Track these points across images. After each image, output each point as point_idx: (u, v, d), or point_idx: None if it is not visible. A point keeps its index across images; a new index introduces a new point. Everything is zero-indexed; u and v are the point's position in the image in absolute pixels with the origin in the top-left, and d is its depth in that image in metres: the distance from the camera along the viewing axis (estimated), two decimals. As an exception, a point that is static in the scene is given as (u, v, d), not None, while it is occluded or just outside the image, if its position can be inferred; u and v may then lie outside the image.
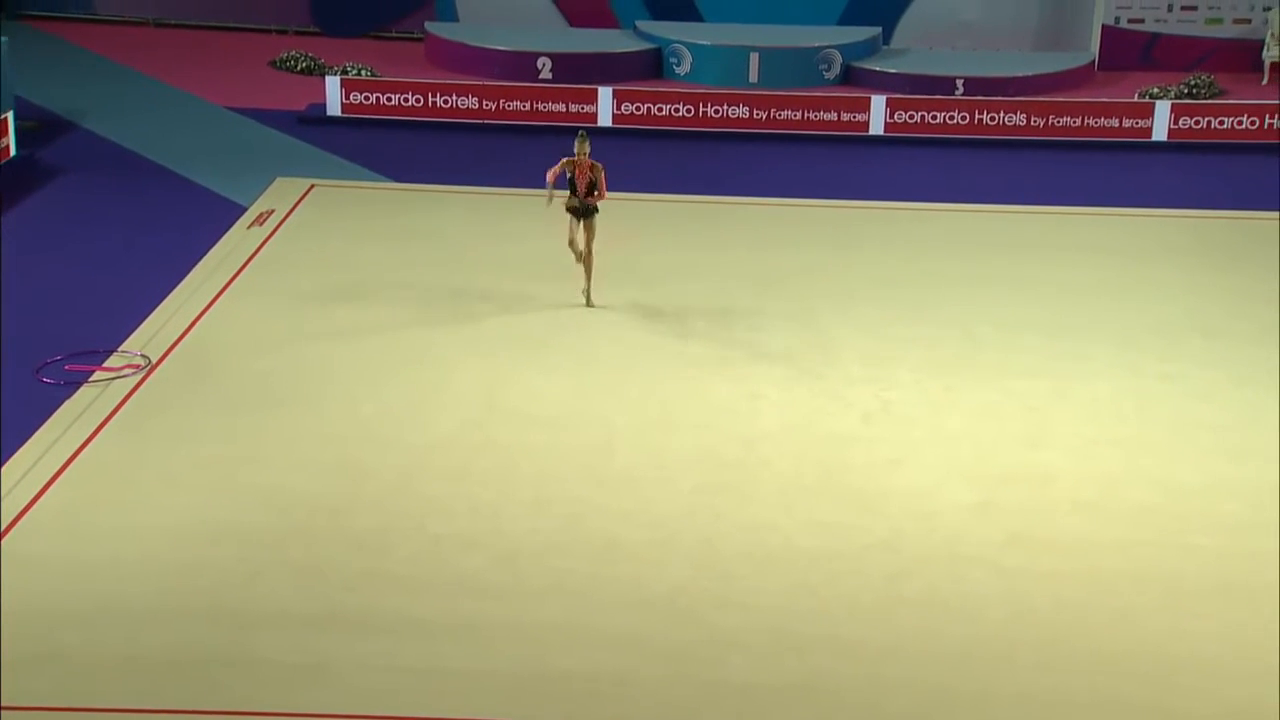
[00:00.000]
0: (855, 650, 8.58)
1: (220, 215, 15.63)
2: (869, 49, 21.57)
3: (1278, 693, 8.15)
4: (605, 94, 19.52)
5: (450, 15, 23.03)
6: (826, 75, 21.10)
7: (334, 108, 19.49)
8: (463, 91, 19.69)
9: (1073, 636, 8.69)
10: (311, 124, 19.22)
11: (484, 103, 19.67)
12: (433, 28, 22.46)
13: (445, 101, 19.63)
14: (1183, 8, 21.74)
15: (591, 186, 13.12)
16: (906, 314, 13.42)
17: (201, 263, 14.27)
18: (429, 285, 13.96)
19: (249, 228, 15.30)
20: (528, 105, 19.66)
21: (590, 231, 13.28)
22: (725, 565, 9.43)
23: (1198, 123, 18.90)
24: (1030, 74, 20.71)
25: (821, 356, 12.53)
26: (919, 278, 14.37)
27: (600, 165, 13.09)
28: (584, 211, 13.21)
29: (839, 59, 21.14)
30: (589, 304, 13.41)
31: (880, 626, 8.79)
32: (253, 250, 14.68)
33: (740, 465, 10.71)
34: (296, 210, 15.91)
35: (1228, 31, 21.68)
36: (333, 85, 19.50)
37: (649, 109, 19.57)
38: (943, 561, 9.45)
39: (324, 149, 18.24)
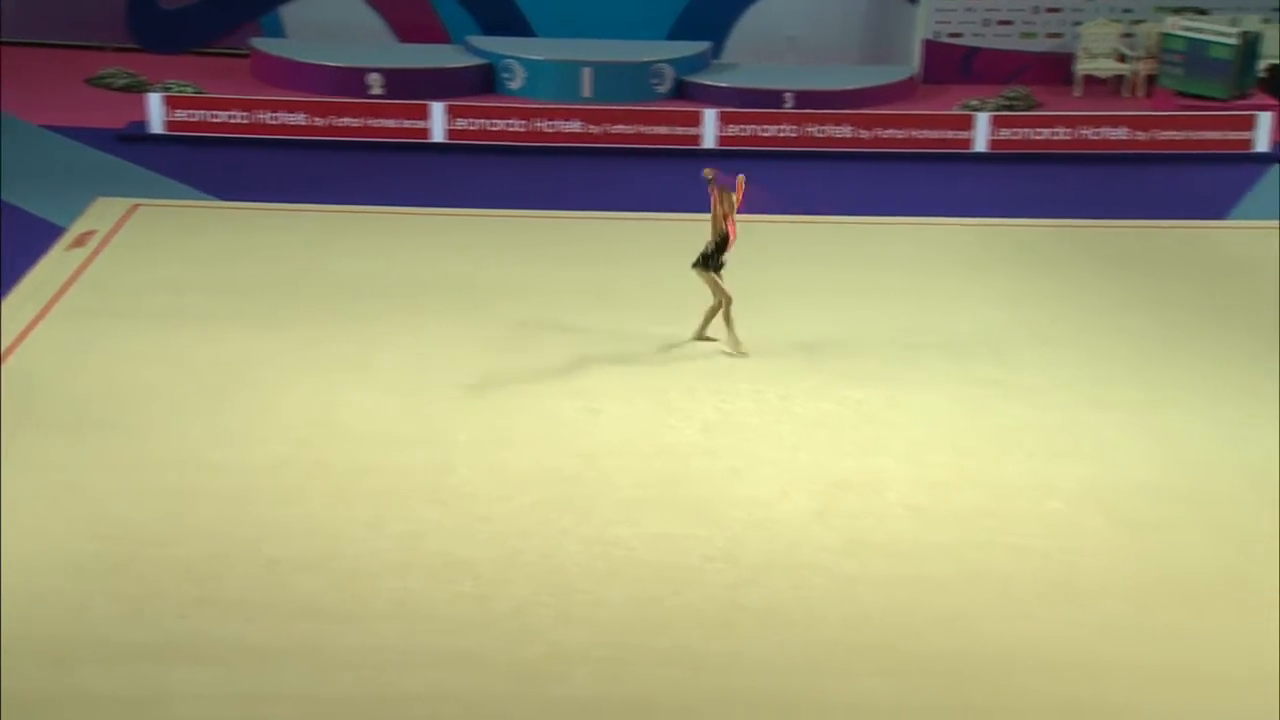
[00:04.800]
0: (698, 660, 8.63)
1: (38, 237, 15.12)
2: (700, 63, 21.78)
3: (1106, 688, 8.41)
4: (438, 110, 19.37)
5: (277, 31, 22.63)
6: (658, 89, 21.25)
7: (156, 125, 19.00)
8: (291, 108, 19.36)
9: (908, 640, 8.86)
10: (133, 142, 18.69)
11: (313, 119, 19.36)
12: (259, 44, 22.05)
13: (273, 118, 19.27)
14: (999, 22, 22.42)
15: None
16: (742, 325, 13.54)
17: (19, 286, 13.78)
18: (258, 306, 13.69)
19: (68, 249, 14.83)
20: (359, 121, 19.41)
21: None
22: (568, 580, 9.41)
23: (1016, 134, 19.47)
24: (856, 87, 21.12)
25: (660, 369, 12.60)
26: (754, 289, 14.50)
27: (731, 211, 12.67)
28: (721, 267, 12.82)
29: (671, 73, 21.31)
30: (743, 353, 12.84)
31: (722, 636, 8.86)
32: (73, 272, 14.22)
33: (581, 480, 10.71)
34: (119, 231, 15.47)
35: (1042, 46, 22.41)
36: (155, 102, 19.00)
37: (482, 124, 19.48)
38: (782, 570, 9.56)
39: (146, 168, 17.76)
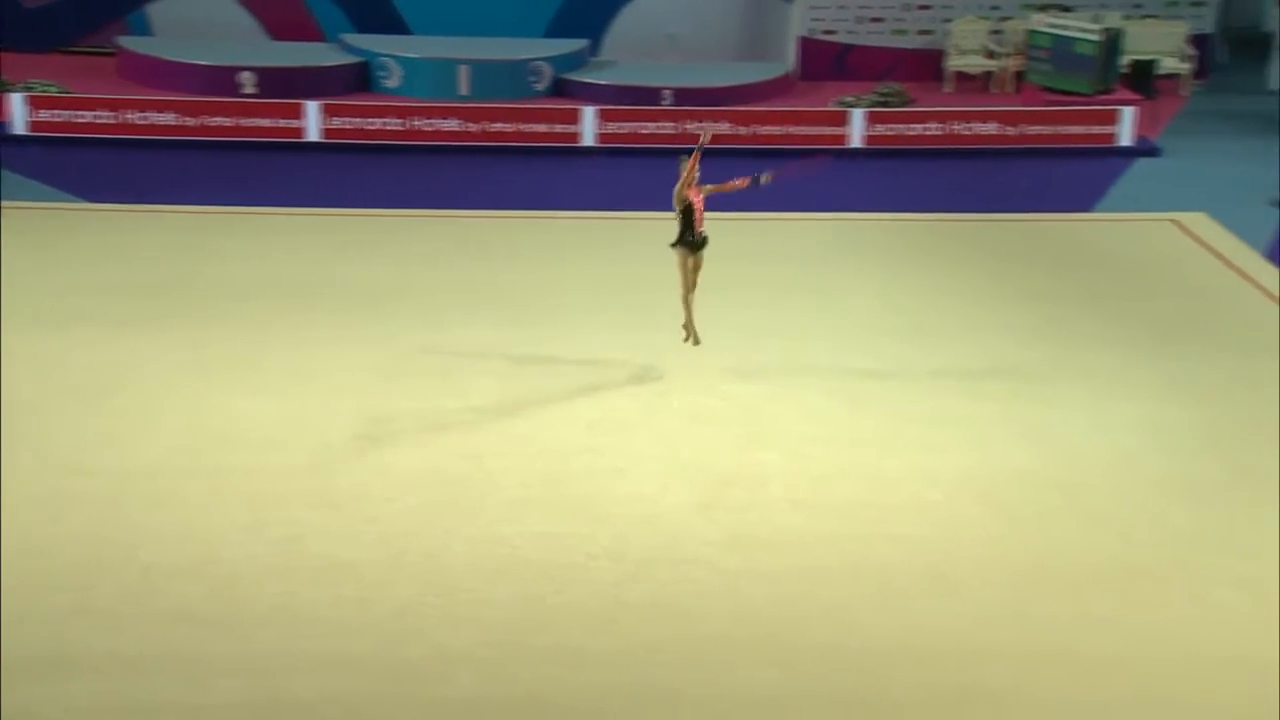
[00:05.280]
0: (582, 658, 8.61)
1: (-104, 241, 14.66)
2: (578, 61, 21.77)
3: (987, 675, 8.54)
4: (312, 108, 19.14)
5: (144, 30, 22.16)
6: (537, 87, 21.19)
7: (19, 126, 18.53)
8: (160, 107, 19.00)
9: (792, 632, 8.92)
10: (-5, 143, 18.22)
11: (183, 119, 19.03)
12: (126, 42, 21.58)
13: (141, 118, 18.90)
14: (871, 20, 22.73)
15: (702, 215, 11.89)
16: (624, 321, 13.58)
17: (-124, 292, 13.35)
18: (134, 310, 13.40)
19: (-70, 254, 14.39)
20: (231, 121, 19.12)
21: (699, 266, 12.07)
22: (452, 581, 9.34)
23: (890, 129, 19.77)
24: (734, 84, 21.27)
25: (543, 368, 12.56)
26: (634, 285, 14.56)
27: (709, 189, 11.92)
28: (701, 244, 11.99)
29: (549, 71, 21.27)
30: (697, 342, 12.32)
31: (607, 633, 8.85)
32: (-66, 277, 13.81)
33: (465, 480, 10.63)
34: (-18, 234, 15.05)
35: (913, 42, 22.77)
36: (17, 102, 18.53)
37: (359, 123, 19.29)
38: (665, 565, 9.57)
39: (8, 169, 17.30)
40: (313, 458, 10.85)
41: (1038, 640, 8.83)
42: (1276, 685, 8.40)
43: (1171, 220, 16.86)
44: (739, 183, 12.14)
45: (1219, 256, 15.68)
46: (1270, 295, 14.48)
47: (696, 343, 12.32)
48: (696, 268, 12.09)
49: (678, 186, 11.88)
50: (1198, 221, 16.75)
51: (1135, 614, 9.09)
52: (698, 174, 11.92)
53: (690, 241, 11.95)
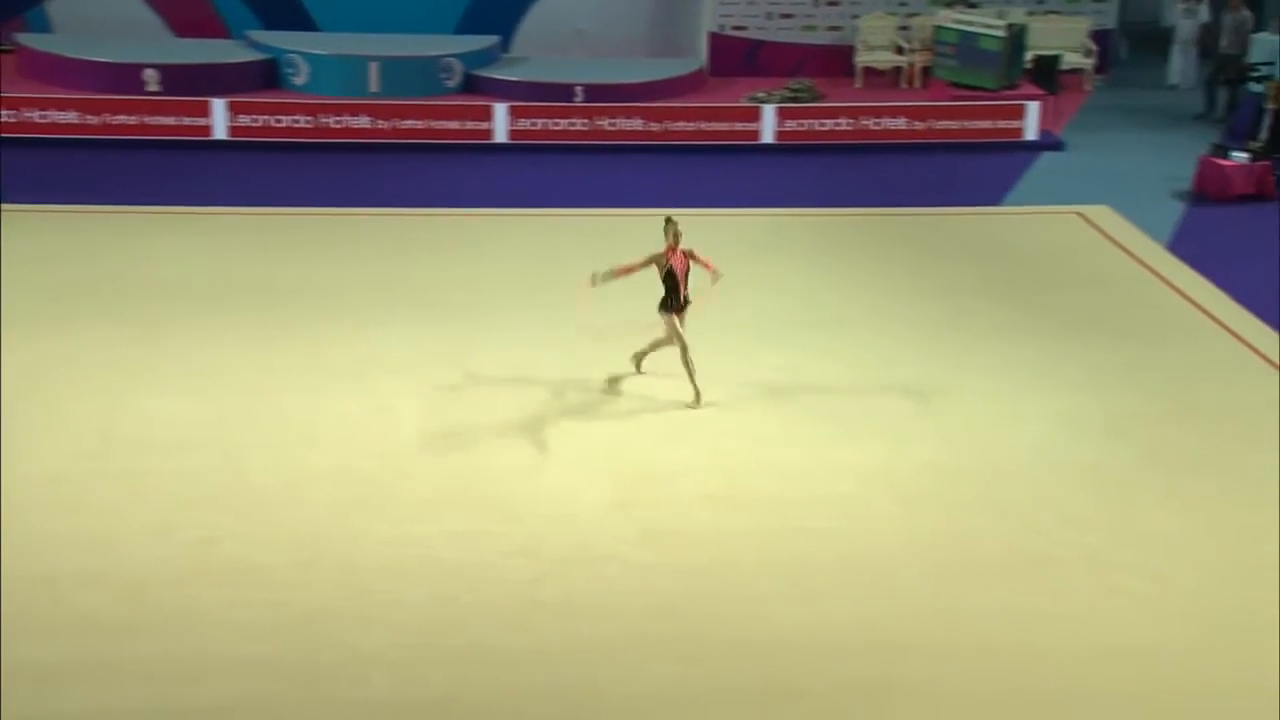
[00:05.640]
0: (497, 657, 8.58)
1: None
2: (489, 57, 21.67)
3: (900, 666, 8.62)
4: (219, 106, 18.88)
5: (44, 27, 21.73)
6: (448, 84, 21.07)
7: (-83, 125, 18.10)
8: (62, 105, 18.66)
9: (707, 626, 8.94)
10: (-109, 144, 17.79)
11: (86, 117, 18.70)
12: (25, 39, 21.14)
13: (42, 116, 18.56)
14: (781, 15, 22.85)
15: (687, 276, 11.60)
16: (539, 317, 13.55)
17: None
18: (39, 312, 13.14)
19: None
20: (135, 119, 18.81)
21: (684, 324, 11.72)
22: (365, 581, 9.26)
23: (801, 125, 19.89)
24: (645, 80, 21.28)
25: (457, 365, 12.49)
26: (549, 282, 14.54)
27: (691, 249, 11.65)
28: (684, 306, 11.68)
29: (459, 68, 21.15)
30: (699, 405, 11.72)
31: (521, 632, 8.82)
32: None
33: (377, 480, 10.55)
34: (-122, 236, 14.68)
35: (822, 38, 22.93)
36: (-87, 101, 18.11)
37: (266, 121, 19.06)
38: (581, 563, 9.56)
39: (-94, 169, 16.92)
40: (224, 459, 10.71)
41: (950, 631, 8.93)
42: (1186, 672, 8.56)
43: (1077, 213, 17.14)
44: (712, 268, 11.76)
45: (1122, 248, 15.96)
46: (1172, 285, 14.76)
47: (698, 402, 11.76)
48: (678, 327, 11.75)
49: (653, 255, 11.62)
50: (1101, 214, 17.04)
51: (1046, 604, 9.22)
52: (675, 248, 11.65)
53: (675, 306, 11.68)
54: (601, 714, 8.14)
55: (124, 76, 20.02)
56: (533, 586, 9.27)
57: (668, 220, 11.77)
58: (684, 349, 11.72)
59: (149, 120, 18.85)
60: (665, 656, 8.63)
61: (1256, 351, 13.10)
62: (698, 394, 11.77)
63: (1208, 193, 17.87)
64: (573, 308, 13.76)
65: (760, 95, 21.04)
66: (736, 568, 9.56)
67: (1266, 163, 17.97)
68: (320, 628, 8.78)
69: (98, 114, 18.75)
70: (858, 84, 22.40)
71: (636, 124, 19.65)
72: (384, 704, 8.14)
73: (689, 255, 11.70)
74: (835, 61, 22.74)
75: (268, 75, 20.87)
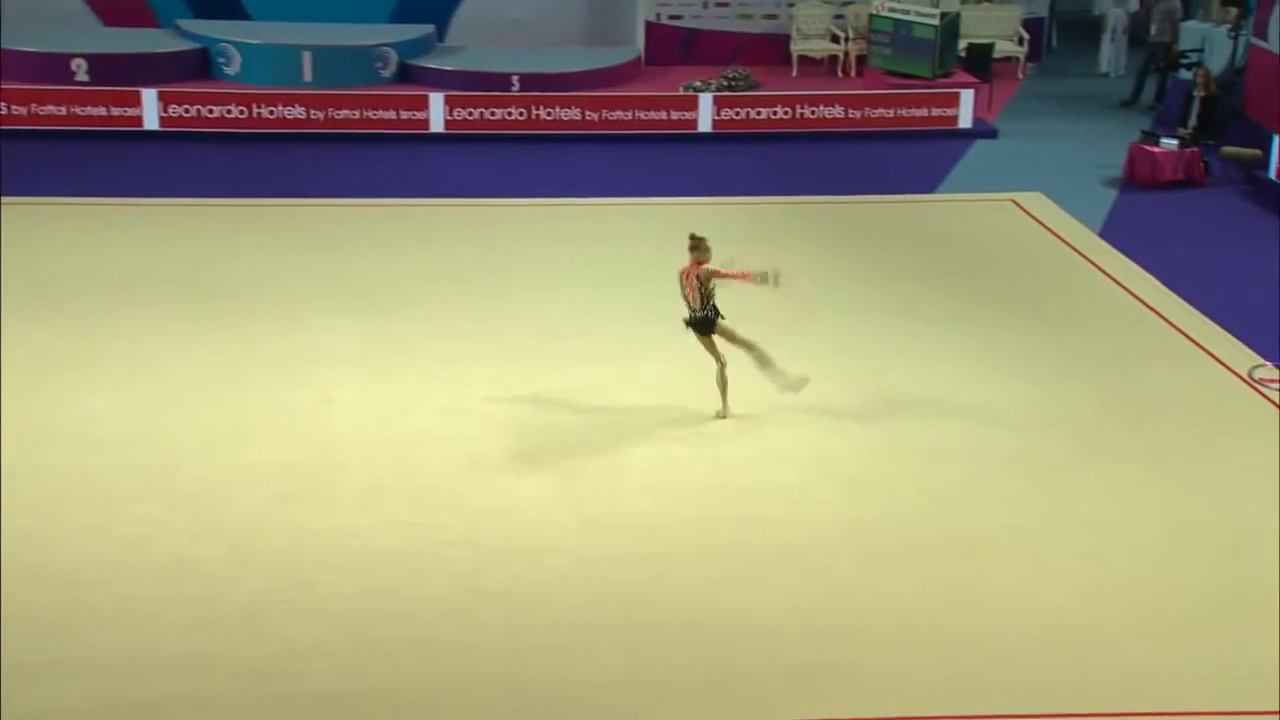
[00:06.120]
0: (438, 649, 8.55)
1: None
2: (424, 46, 21.56)
3: (838, 651, 8.67)
4: (149, 96, 18.68)
5: (-32, 15, 21.38)
6: (383, 73, 20.94)
7: None
8: (-11, 95, 18.38)
9: (648, 614, 8.96)
10: None
11: (13, 107, 18.44)
12: (-50, 28, 20.80)
13: (-31, 107, 18.27)
14: (717, 4, 22.89)
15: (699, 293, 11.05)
16: (476, 308, 13.51)
17: None
18: (-38, 304, 12.96)
19: None
20: (63, 110, 18.56)
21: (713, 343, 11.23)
22: (303, 574, 9.21)
23: (738, 113, 19.94)
24: (582, 69, 21.25)
25: (394, 356, 12.43)
26: (486, 271, 14.51)
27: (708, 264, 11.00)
28: (708, 324, 11.15)
29: (395, 57, 21.03)
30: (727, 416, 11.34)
31: (462, 622, 8.80)
32: None
33: (316, 472, 10.48)
34: None
35: (758, 27, 22.99)
36: None
37: (198, 110, 18.88)
38: (522, 552, 9.55)
39: None
40: (157, 454, 10.60)
41: (886, 616, 8.99)
42: (1119, 654, 8.68)
43: (1010, 200, 17.30)
44: (741, 274, 11.17)
45: (1055, 234, 16.13)
46: (1104, 271, 14.94)
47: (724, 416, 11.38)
48: (710, 344, 11.31)
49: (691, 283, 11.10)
50: (1035, 201, 17.21)
51: (982, 587, 9.30)
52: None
53: (688, 321, 11.24)
54: (543, 703, 8.13)
55: (52, 66, 19.75)
56: (474, 577, 9.25)
57: (691, 238, 11.17)
58: (721, 365, 11.28)
59: (78, 111, 18.62)
60: (607, 645, 8.64)
61: (1186, 336, 13.28)
62: (723, 406, 11.34)
63: (1138, 179, 18.09)
64: (510, 298, 13.74)
65: (697, 84, 21.08)
66: (676, 556, 9.58)
67: (1195, 149, 18.21)
68: (259, 622, 8.72)
69: (25, 104, 18.50)
70: (794, 73, 22.48)
71: (574, 113, 19.62)
72: (325, 697, 8.10)
73: (702, 273, 11.08)
74: (771, 50, 22.81)
75: (199, 65, 20.66)
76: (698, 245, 11.18)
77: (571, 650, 8.59)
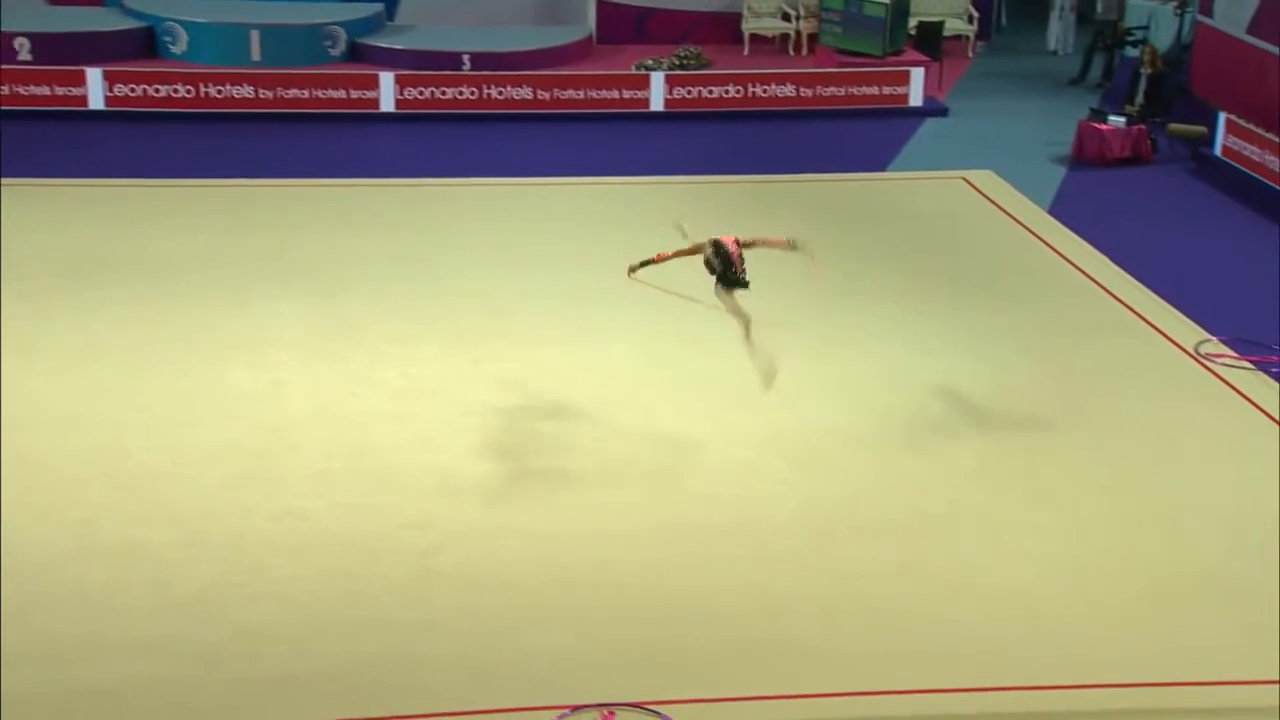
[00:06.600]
0: (392, 630, 8.53)
1: None
2: (374, 25, 21.41)
3: (794, 627, 8.71)
4: (94, 75, 18.44)
5: (-92, -7, 21.03)
6: (332, 52, 20.77)
7: None
8: (-71, 75, 18.10)
9: (603, 594, 8.97)
10: None
11: (-45, 88, 18.17)
12: (-111, 6, 20.46)
13: (-90, 87, 17.99)
14: (669, -18, 22.86)
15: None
16: (428, 289, 13.45)
17: None
18: (-95, 288, 12.77)
19: None
20: (6, 89, 18.32)
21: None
22: (255, 557, 9.15)
23: (690, 92, 19.92)
24: (534, 48, 21.16)
25: (345, 338, 12.36)
26: (438, 251, 14.44)
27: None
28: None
29: (344, 36, 20.86)
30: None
31: (417, 604, 8.78)
32: None
33: (267, 454, 10.42)
34: None
35: (710, 5, 22.95)
36: None
37: (144, 90, 18.66)
38: (476, 533, 9.53)
39: None
40: (104, 438, 10.50)
41: (842, 592, 9.05)
42: (1072, 626, 8.76)
43: (961, 178, 17.38)
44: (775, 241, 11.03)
45: (1005, 212, 16.22)
46: (1053, 248, 15.04)
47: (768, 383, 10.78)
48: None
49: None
50: (985, 179, 17.30)
51: (936, 563, 9.36)
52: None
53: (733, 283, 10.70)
54: (498, 684, 8.13)
55: (-6, 45, 19.47)
56: (427, 558, 9.23)
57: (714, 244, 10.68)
58: (746, 323, 10.81)
59: (21, 90, 18.35)
60: (561, 625, 8.64)
61: (1134, 311, 13.40)
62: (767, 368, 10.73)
63: (1086, 156, 18.22)
64: (462, 279, 13.71)
65: (649, 63, 21.03)
66: (632, 535, 9.59)
67: (1143, 126, 18.35)
68: (210, 605, 8.66)
69: (-33, 85, 18.22)
70: (745, 51, 22.47)
71: (525, 93, 19.54)
72: (279, 679, 8.06)
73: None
74: (723, 29, 22.79)
75: (145, 43, 20.43)
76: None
77: (527, 630, 8.59)
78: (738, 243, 10.71)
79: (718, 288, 10.76)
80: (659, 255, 10.77)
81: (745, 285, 10.62)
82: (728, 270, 10.62)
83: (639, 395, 11.55)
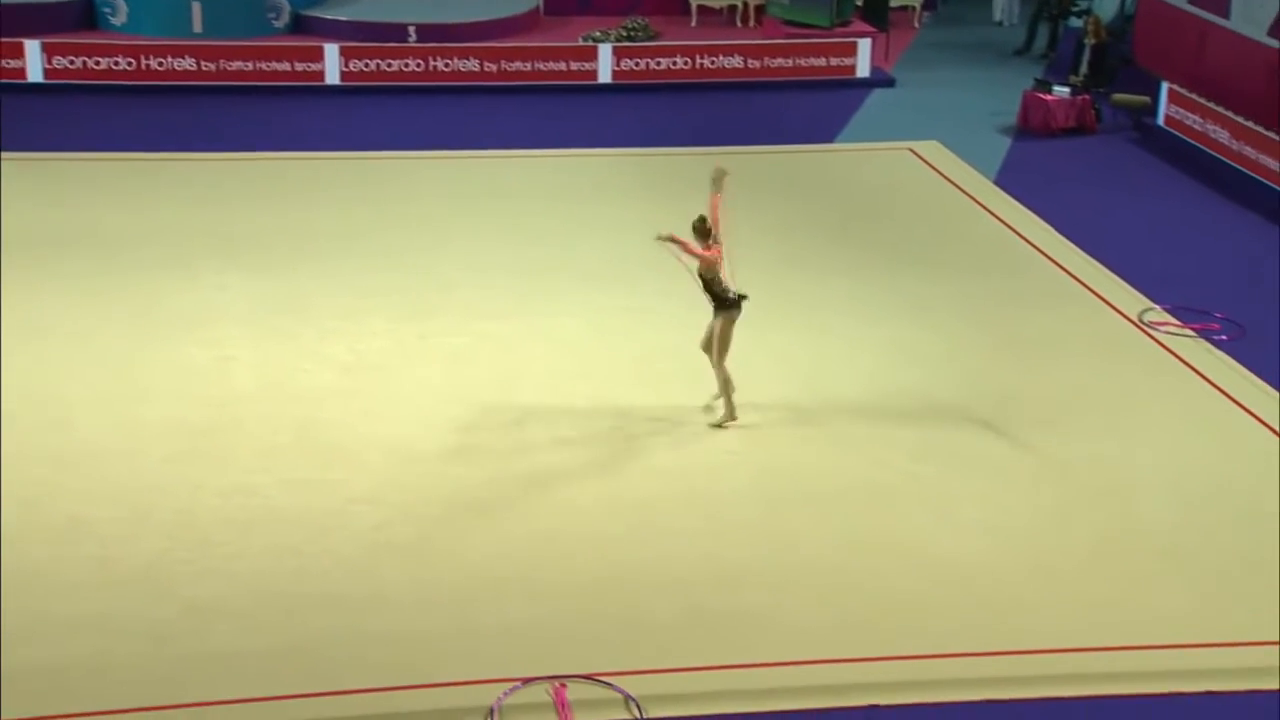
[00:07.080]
0: (342, 604, 8.49)
1: None
2: (317, -4, 21.20)
3: (745, 597, 8.74)
4: (33, 47, 18.17)
5: None
6: (275, 24, 20.55)
7: None
8: None
9: (552, 566, 8.96)
10: None
11: (-109, 60, 17.83)
12: None
13: None
14: (616, -47, 22.74)
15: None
16: (376, 263, 13.37)
17: None
18: None
19: None
20: (-57, 62, 18.01)
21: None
22: (203, 533, 9.09)
23: (637, 64, 19.86)
24: (480, 20, 21.02)
25: (293, 313, 12.27)
26: (386, 225, 14.35)
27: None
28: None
29: (288, 7, 20.65)
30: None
31: (366, 578, 8.75)
32: None
33: (214, 430, 10.34)
34: None
35: (657, -23, 22.89)
36: None
37: (84, 62, 18.40)
38: (424, 507, 9.50)
39: None
40: (49, 414, 10.39)
41: (794, 562, 9.08)
42: (1020, 594, 8.84)
43: (908, 148, 17.44)
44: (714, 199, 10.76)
45: (951, 182, 16.30)
46: (999, 218, 15.13)
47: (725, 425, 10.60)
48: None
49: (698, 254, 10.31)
50: (931, 149, 17.37)
51: (887, 533, 9.41)
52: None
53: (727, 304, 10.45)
54: (449, 658, 8.11)
55: (-70, 18, 19.12)
56: (376, 533, 9.19)
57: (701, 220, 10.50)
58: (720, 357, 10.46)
59: (-42, 64, 18.06)
60: (513, 598, 8.63)
61: (1078, 280, 13.51)
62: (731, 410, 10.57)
63: (1031, 126, 18.32)
64: (409, 253, 13.63)
65: (596, 35, 20.95)
66: (582, 509, 9.58)
67: (1087, 96, 18.46)
68: (157, 582, 8.60)
69: (-98, 57, 17.90)
70: (693, 22, 22.42)
71: (472, 64, 19.42)
72: (227, 656, 8.01)
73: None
74: (670, 0, 22.71)
75: (84, 15, 20.15)
76: (707, 231, 10.47)
77: (478, 602, 8.58)
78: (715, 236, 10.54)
79: (707, 339, 10.57)
80: (685, 244, 10.44)
81: (739, 302, 10.47)
82: (712, 285, 10.42)
83: (589, 368, 11.53)
